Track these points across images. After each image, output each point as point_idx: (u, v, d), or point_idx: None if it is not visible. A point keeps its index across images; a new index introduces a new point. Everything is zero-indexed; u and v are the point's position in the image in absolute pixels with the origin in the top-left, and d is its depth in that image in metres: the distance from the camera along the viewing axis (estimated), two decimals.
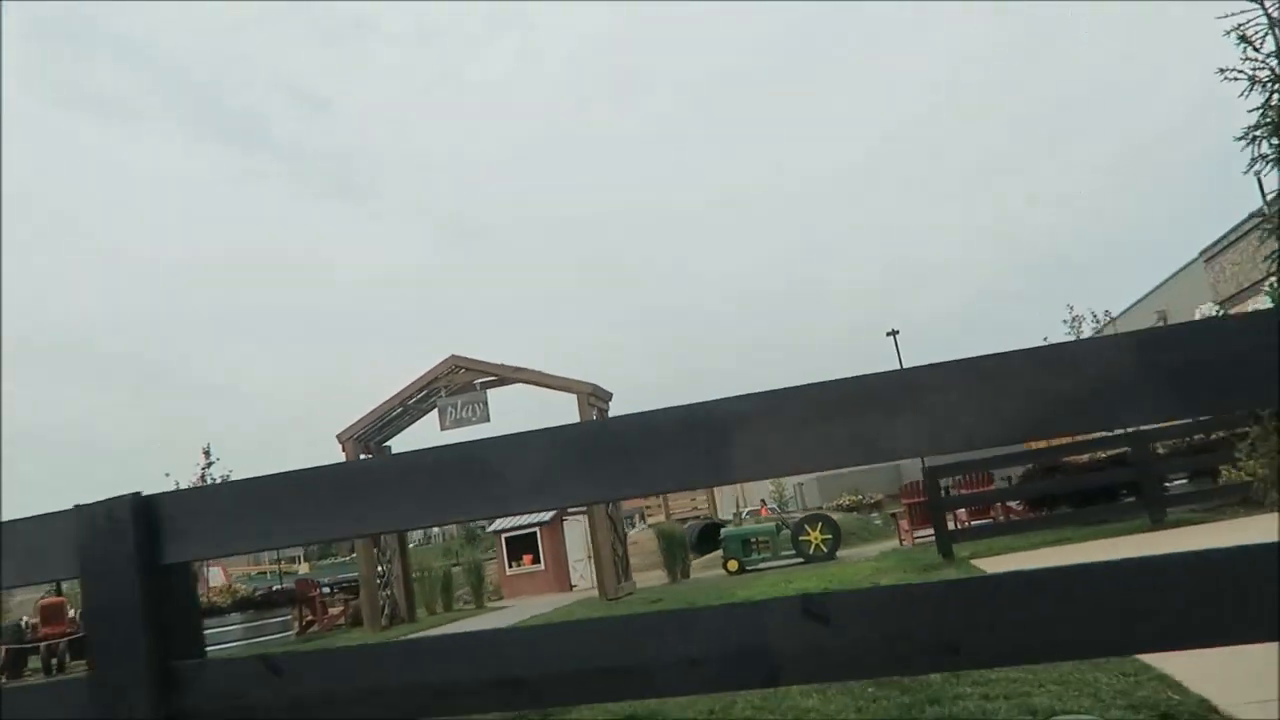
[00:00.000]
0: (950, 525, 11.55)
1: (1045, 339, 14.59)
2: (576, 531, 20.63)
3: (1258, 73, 4.02)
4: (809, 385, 1.19)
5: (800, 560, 16.42)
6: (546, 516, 20.34)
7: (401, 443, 16.56)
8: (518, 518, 20.37)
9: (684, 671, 1.25)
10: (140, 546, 1.49)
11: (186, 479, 15.58)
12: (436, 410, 15.56)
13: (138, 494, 1.56)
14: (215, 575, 19.70)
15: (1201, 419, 10.24)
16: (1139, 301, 29.83)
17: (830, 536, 16.61)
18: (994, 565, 9.25)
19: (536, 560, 21.05)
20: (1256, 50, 4.03)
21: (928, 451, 1.23)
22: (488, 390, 15.54)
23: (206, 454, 16.29)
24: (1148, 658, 3.58)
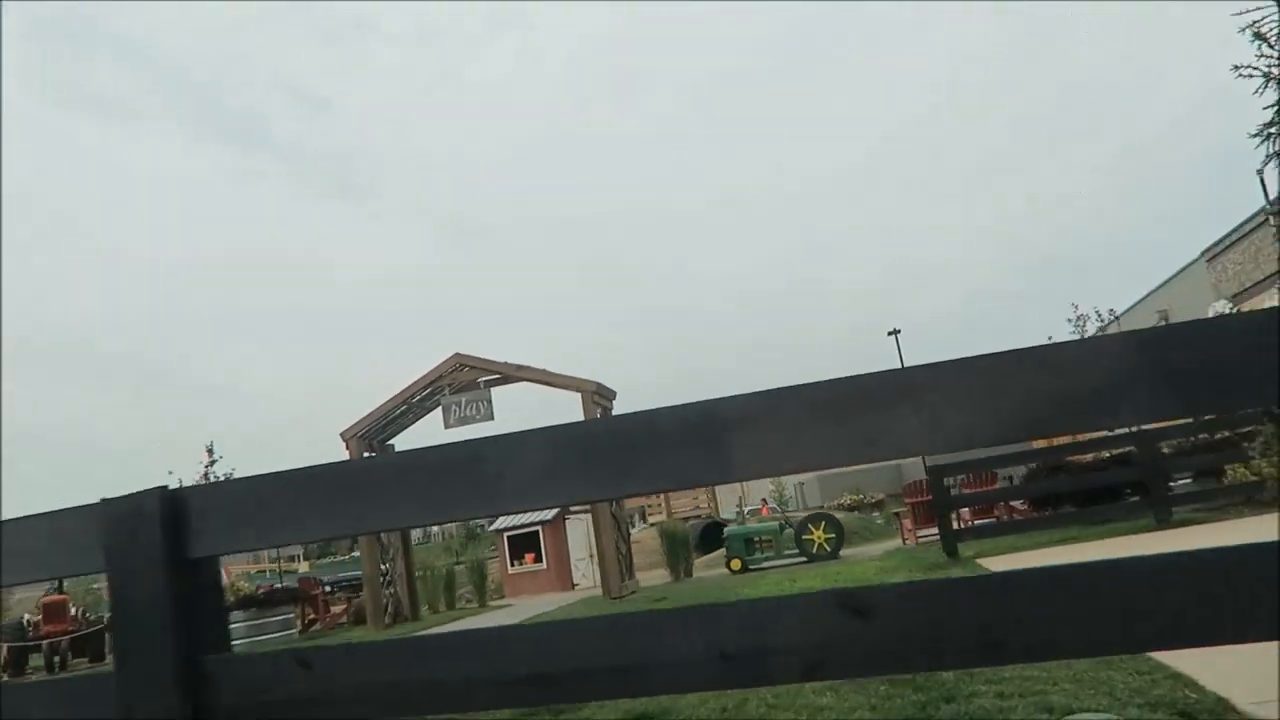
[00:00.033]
0: (954, 524, 11.54)
1: (1050, 338, 14.60)
2: (579, 530, 20.62)
3: (1272, 70, 4.01)
4: (809, 384, 1.20)
5: (804, 559, 16.41)
6: (549, 515, 20.34)
7: (405, 441, 16.57)
8: (520, 516, 20.37)
9: (718, 666, 1.24)
10: (167, 541, 1.48)
11: (189, 478, 15.58)
12: (440, 408, 15.56)
13: (164, 488, 1.55)
14: None
15: (1206, 418, 10.23)
16: (1140, 301, 29.83)
17: (834, 536, 16.60)
18: (1000, 565, 9.23)
19: (538, 559, 21.04)
20: (1271, 47, 4.01)
21: (932, 450, 1.23)
22: (492, 389, 15.53)
23: (210, 452, 16.26)
24: (1160, 656, 3.57)
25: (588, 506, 16.76)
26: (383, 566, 16.05)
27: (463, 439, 1.52)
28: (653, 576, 18.15)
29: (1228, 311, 14.23)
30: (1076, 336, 18.46)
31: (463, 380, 15.83)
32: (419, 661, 1.42)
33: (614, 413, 14.34)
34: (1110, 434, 11.77)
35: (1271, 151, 4.02)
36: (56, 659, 15.97)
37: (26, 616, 17.89)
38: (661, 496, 27.62)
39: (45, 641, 16.16)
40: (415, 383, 15.79)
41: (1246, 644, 1.01)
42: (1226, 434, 11.10)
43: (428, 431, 16.71)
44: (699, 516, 26.95)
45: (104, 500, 1.55)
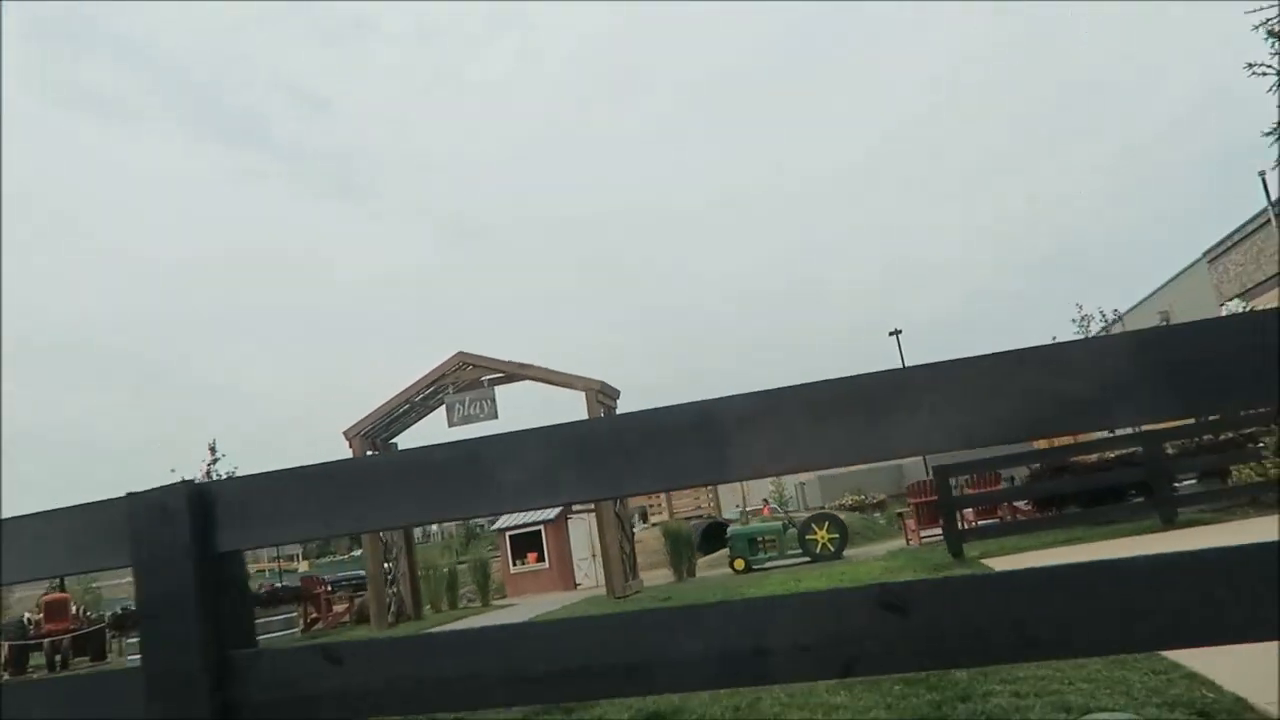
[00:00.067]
0: (958, 525, 11.52)
1: (1054, 338, 14.60)
2: (581, 530, 20.61)
3: None
4: (809, 384, 1.20)
5: (807, 559, 16.40)
6: (551, 514, 20.32)
7: (409, 439, 16.57)
8: (522, 515, 20.35)
9: (754, 662, 1.23)
10: (195, 535, 1.47)
11: (192, 477, 15.54)
12: (444, 407, 15.54)
13: (190, 481, 1.55)
14: None
15: (1211, 419, 10.23)
16: (1142, 302, 29.85)
17: (837, 536, 16.59)
18: (1005, 565, 9.22)
19: (541, 558, 21.02)
20: None
21: (932, 450, 1.23)
22: (495, 387, 15.52)
23: (212, 450, 16.30)
24: (1174, 656, 3.56)
25: (590, 506, 16.75)
26: (386, 565, 16.04)
27: (465, 438, 1.52)
28: (656, 576, 18.14)
29: (1242, 311, 14.19)
30: (1081, 336, 18.46)
31: (466, 379, 15.82)
32: (447, 657, 1.41)
33: (617, 412, 14.32)
34: (1111, 434, 11.77)
35: None
36: (58, 657, 15.97)
37: (27, 615, 17.89)
38: (663, 496, 27.62)
39: (46, 640, 16.16)
40: (418, 381, 15.78)
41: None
42: (1231, 435, 11.10)
43: (431, 430, 16.72)
44: (701, 516, 26.95)
45: (130, 494, 1.54)
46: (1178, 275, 27.29)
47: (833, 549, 16.39)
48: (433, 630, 1.44)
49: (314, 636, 16.47)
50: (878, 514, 27.26)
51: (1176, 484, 11.13)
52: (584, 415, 14.08)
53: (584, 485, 1.33)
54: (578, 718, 4.29)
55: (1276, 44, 3.98)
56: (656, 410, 1.26)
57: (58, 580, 17.69)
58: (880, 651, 1.19)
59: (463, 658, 1.39)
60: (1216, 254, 23.85)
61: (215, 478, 15.28)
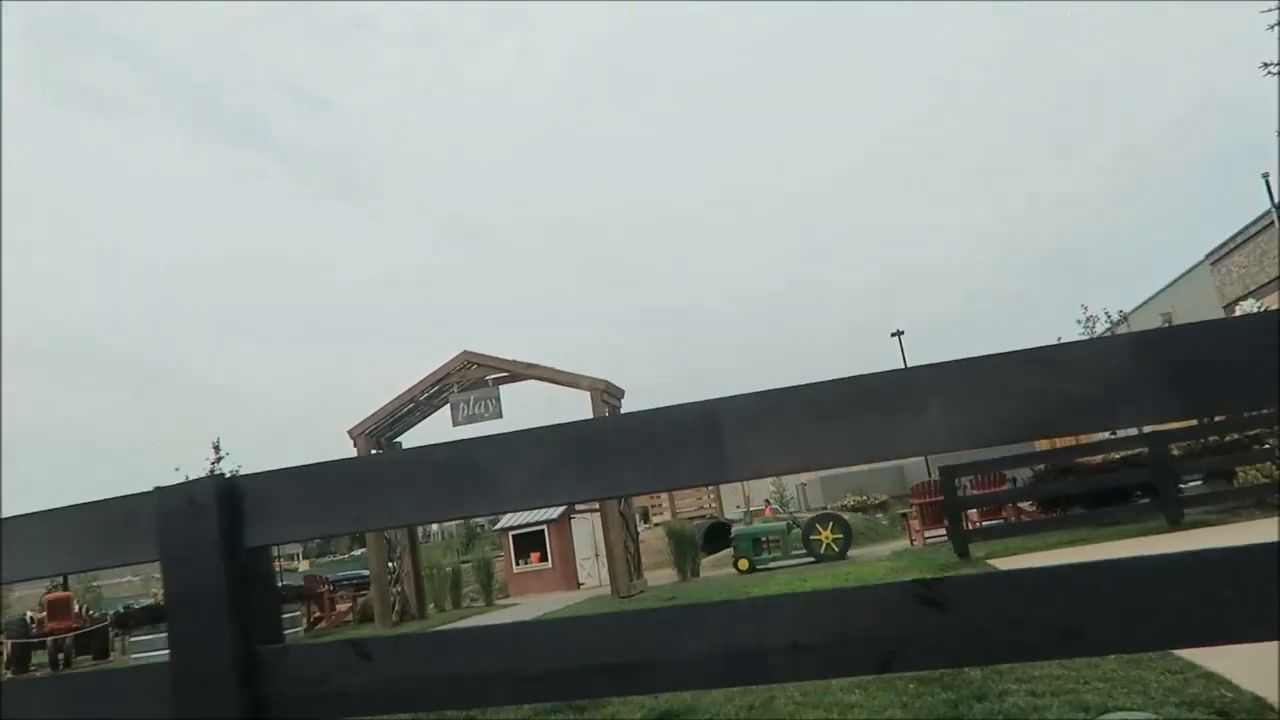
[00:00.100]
0: (963, 525, 11.50)
1: (1059, 338, 14.56)
2: (584, 529, 20.59)
3: None
4: (812, 384, 1.20)
5: (811, 560, 16.39)
6: (554, 514, 20.30)
7: (413, 438, 16.56)
8: (525, 515, 20.34)
9: (794, 658, 1.22)
10: (224, 530, 1.47)
11: (194, 476, 15.55)
12: (449, 406, 15.54)
13: (220, 476, 1.54)
14: None
15: (1217, 420, 10.21)
16: (1144, 304, 29.81)
17: (841, 536, 16.59)
18: (1010, 566, 9.20)
19: (544, 558, 20.99)
20: None
21: (935, 451, 1.23)
22: (500, 386, 15.52)
23: (216, 449, 16.29)
24: (1189, 655, 3.55)
25: (594, 505, 16.74)
26: (390, 564, 16.03)
27: (468, 437, 1.52)
28: (659, 576, 18.13)
29: (1257, 311, 14.20)
30: (1086, 337, 18.44)
31: (471, 378, 15.82)
32: (479, 652, 1.40)
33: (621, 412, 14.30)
34: (1113, 435, 11.76)
35: None
36: (61, 656, 15.97)
37: (30, 613, 17.89)
38: (666, 496, 27.62)
39: (49, 638, 16.16)
40: (423, 380, 15.78)
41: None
42: (1236, 436, 11.08)
43: (435, 430, 16.71)
44: (703, 516, 26.94)
45: (159, 488, 1.54)
46: (1180, 277, 27.27)
47: (837, 549, 16.38)
48: (459, 626, 1.44)
49: (317, 636, 16.46)
50: (880, 515, 27.24)
51: (1182, 485, 11.11)
52: (589, 415, 14.07)
53: (585, 485, 1.33)
54: (589, 717, 4.28)
55: None
56: (657, 410, 1.26)
57: (60, 579, 17.68)
58: (919, 647, 1.19)
59: (500, 654, 1.38)
60: (1219, 256, 23.83)
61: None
